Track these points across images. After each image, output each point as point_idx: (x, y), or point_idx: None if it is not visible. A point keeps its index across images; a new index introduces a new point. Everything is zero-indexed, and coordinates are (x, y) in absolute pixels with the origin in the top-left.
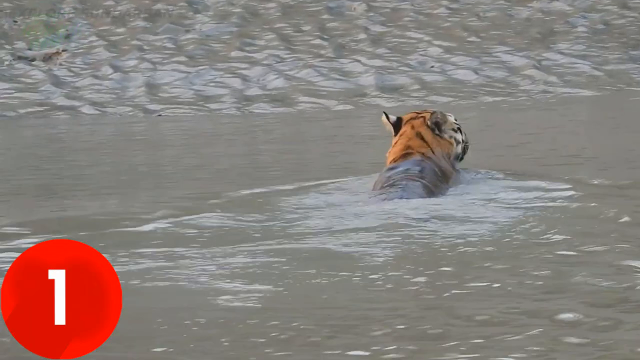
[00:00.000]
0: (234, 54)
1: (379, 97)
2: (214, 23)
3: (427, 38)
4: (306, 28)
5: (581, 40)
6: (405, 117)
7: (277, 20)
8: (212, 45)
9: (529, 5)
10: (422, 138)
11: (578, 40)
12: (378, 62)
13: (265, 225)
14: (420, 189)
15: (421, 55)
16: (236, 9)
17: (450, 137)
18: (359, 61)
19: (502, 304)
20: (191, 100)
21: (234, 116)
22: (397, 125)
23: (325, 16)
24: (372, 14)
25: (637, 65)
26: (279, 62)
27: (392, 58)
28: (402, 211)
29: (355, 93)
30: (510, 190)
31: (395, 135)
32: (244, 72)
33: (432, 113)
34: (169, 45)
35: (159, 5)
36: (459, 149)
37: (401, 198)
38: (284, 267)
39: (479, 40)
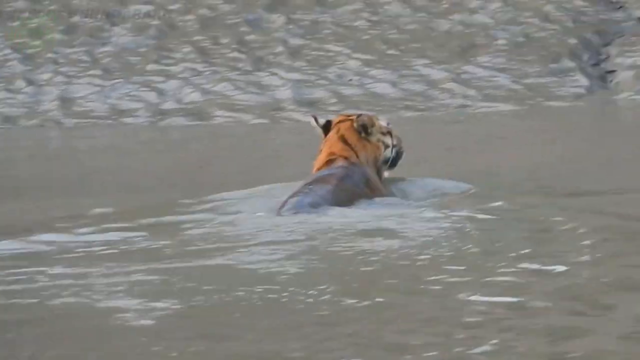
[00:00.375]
0: (150, 67)
1: (296, 111)
2: (131, 36)
3: (346, 51)
4: (224, 41)
5: (501, 54)
6: (334, 120)
7: (195, 32)
8: (129, 58)
9: (450, 18)
10: (346, 142)
11: (498, 54)
12: (296, 76)
13: (166, 242)
14: (329, 194)
15: (340, 68)
16: (154, 21)
17: (378, 140)
18: (276, 74)
19: (397, 325)
20: (105, 114)
21: (147, 129)
22: (327, 128)
23: (243, 29)
24: (291, 27)
25: (556, 79)
26: (196, 76)
27: (310, 71)
28: (293, 226)
29: (271, 107)
30: (422, 204)
31: (323, 140)
32: (159, 85)
33: (359, 116)
34: (85, 58)
35: (76, 18)
36: (389, 152)
37: (302, 202)
38: (185, 285)
39: (398, 53)
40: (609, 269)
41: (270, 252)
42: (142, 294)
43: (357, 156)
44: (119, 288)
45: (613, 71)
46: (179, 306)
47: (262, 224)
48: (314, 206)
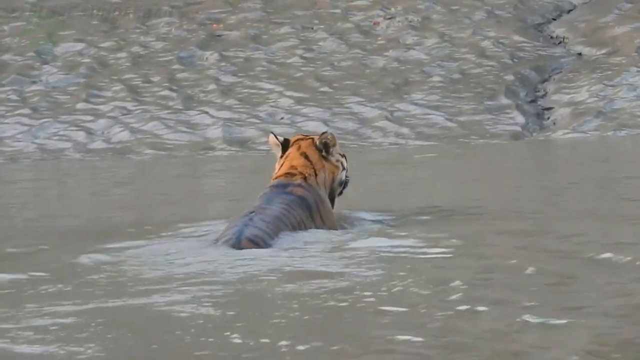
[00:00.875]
0: (79, 105)
1: (226, 149)
2: (61, 74)
3: (278, 89)
4: (155, 79)
5: (436, 91)
6: (292, 139)
7: (126, 70)
8: (58, 97)
9: (385, 54)
10: (307, 158)
11: (433, 90)
12: (226, 114)
13: (86, 280)
14: (268, 221)
15: (271, 106)
16: (85, 59)
17: (337, 160)
18: (207, 113)
19: None
20: (33, 153)
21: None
22: (285, 146)
23: (175, 66)
24: (223, 64)
25: (492, 116)
26: (125, 115)
27: (241, 109)
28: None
29: (201, 146)
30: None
31: (281, 157)
32: (88, 124)
33: (323, 133)
34: (14, 97)
35: (6, 56)
36: (344, 175)
37: (240, 234)
38: (99, 328)
39: (331, 90)
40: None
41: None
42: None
43: (316, 175)
44: (26, 333)
45: (550, 108)
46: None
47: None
48: (252, 239)
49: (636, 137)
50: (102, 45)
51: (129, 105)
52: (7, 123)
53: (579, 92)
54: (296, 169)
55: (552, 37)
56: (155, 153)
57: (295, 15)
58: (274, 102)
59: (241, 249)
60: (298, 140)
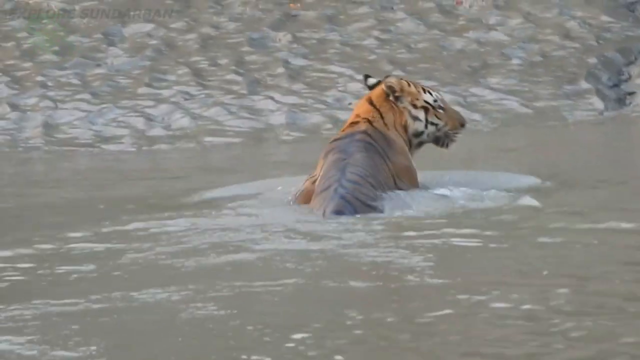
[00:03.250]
0: (141, 90)
1: (288, 136)
2: (126, 57)
3: (349, 72)
4: (223, 62)
5: (514, 74)
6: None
7: (193, 53)
8: (120, 80)
9: (465, 35)
10: (372, 103)
11: (510, 74)
12: (292, 99)
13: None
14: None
15: (340, 91)
16: (153, 40)
17: (405, 108)
18: (272, 98)
19: None
20: (89, 141)
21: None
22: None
23: (245, 48)
24: (295, 46)
25: (569, 102)
26: (188, 100)
27: (307, 94)
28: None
29: (263, 133)
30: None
31: None
32: (148, 110)
33: (386, 77)
34: (75, 81)
35: (72, 37)
36: (420, 126)
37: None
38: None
39: (404, 74)
40: None
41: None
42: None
43: (382, 118)
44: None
45: (632, 93)
46: None
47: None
48: (352, 202)
49: None
50: (172, 26)
51: (193, 90)
52: (65, 109)
53: None
54: (359, 116)
55: None
56: (215, 140)
57: None
58: (342, 86)
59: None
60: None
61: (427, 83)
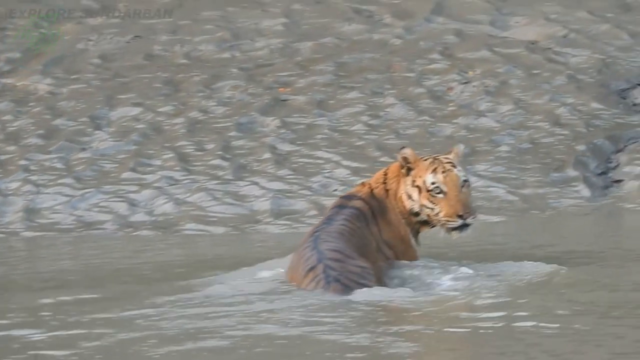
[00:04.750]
0: (125, 175)
1: (272, 223)
2: (112, 140)
3: (336, 158)
4: (209, 146)
5: (502, 161)
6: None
7: (180, 137)
8: (105, 165)
9: (454, 121)
10: (385, 173)
11: (498, 161)
12: (277, 185)
13: None
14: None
15: (325, 177)
16: (139, 124)
17: (404, 182)
18: (257, 184)
19: None
20: (70, 226)
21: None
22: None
23: (232, 133)
24: (283, 131)
25: (556, 189)
26: (172, 185)
27: (293, 180)
28: None
29: (247, 219)
30: None
31: None
32: (132, 195)
33: (402, 147)
34: (59, 165)
35: (58, 121)
36: (413, 206)
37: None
38: None
39: (391, 160)
40: None
41: None
42: None
43: (386, 186)
44: None
45: (620, 180)
46: None
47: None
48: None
49: None
50: (160, 109)
51: (177, 175)
52: (48, 193)
53: None
54: (369, 182)
55: (634, 104)
56: (197, 227)
57: (366, 79)
58: (329, 172)
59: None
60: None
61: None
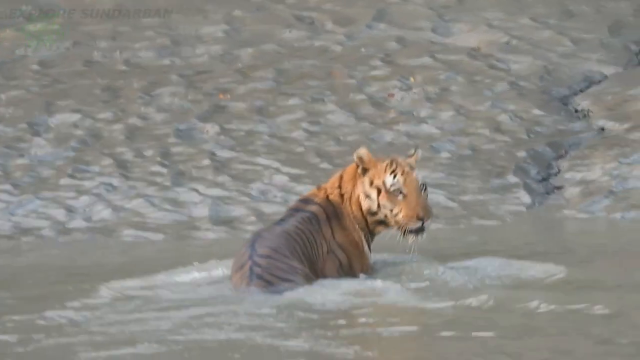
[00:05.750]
0: (63, 181)
1: (210, 230)
2: (51, 147)
3: (275, 165)
4: (148, 153)
5: (442, 168)
6: None
7: (119, 144)
8: (42, 171)
9: (395, 128)
10: (341, 176)
11: (438, 167)
12: (216, 192)
13: None
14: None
15: (265, 183)
16: (78, 131)
17: (362, 182)
18: (196, 190)
19: None
20: (7, 233)
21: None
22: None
23: (172, 140)
24: (222, 137)
25: (496, 196)
26: (110, 192)
27: (232, 187)
28: None
29: (185, 226)
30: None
31: None
32: (70, 202)
33: (360, 148)
34: None
35: None
36: (372, 206)
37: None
38: None
39: (331, 167)
40: None
41: None
42: None
43: (341, 190)
44: None
45: (561, 187)
46: None
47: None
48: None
49: None
50: (99, 116)
51: (115, 182)
52: None
53: (592, 170)
54: (325, 186)
55: (576, 111)
56: (135, 233)
57: (307, 86)
58: (268, 179)
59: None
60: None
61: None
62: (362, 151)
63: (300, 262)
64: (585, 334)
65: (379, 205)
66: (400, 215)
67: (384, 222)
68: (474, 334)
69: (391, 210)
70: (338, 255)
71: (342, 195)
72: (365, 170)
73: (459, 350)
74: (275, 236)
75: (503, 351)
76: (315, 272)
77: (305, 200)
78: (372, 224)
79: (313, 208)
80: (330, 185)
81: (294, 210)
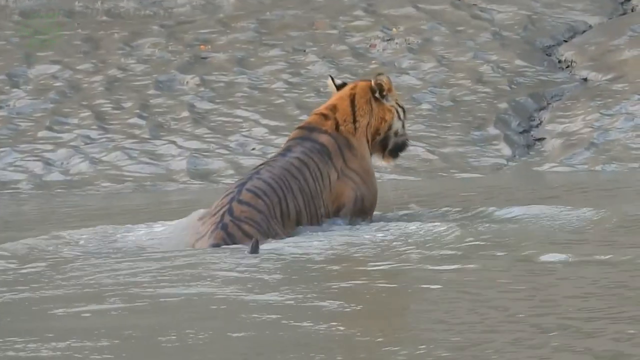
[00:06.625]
0: (41, 134)
1: (188, 182)
2: (29, 99)
3: (254, 117)
4: (127, 105)
5: (422, 119)
6: (350, 83)
7: (98, 95)
8: (21, 124)
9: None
10: (353, 102)
11: (419, 119)
12: (195, 144)
13: None
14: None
15: (243, 136)
16: (58, 82)
17: (392, 106)
18: (174, 143)
19: None
20: None
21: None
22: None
23: (151, 91)
24: (202, 89)
25: (476, 148)
26: (88, 144)
27: (211, 139)
28: None
29: (162, 179)
30: None
31: None
32: (47, 154)
33: (378, 74)
34: None
35: None
36: (399, 125)
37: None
38: None
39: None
40: None
41: None
42: None
43: (355, 122)
44: None
45: (542, 139)
46: None
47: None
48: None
49: (625, 172)
50: (78, 67)
51: (94, 134)
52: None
53: (574, 122)
54: (335, 112)
55: (559, 61)
56: (113, 186)
57: (288, 37)
58: (247, 131)
59: (240, 200)
60: (356, 82)
61: None
62: (384, 77)
63: (286, 209)
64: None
65: (403, 125)
66: (404, 137)
67: (386, 141)
68: (453, 288)
69: (403, 127)
70: (352, 177)
71: (356, 129)
72: (383, 95)
73: (447, 307)
74: (270, 176)
75: (494, 306)
76: (313, 206)
77: (310, 129)
78: (374, 146)
79: (323, 138)
80: (342, 117)
81: (300, 139)
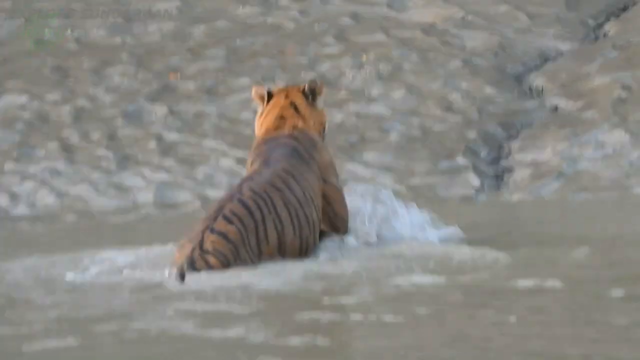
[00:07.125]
0: (7, 166)
1: (153, 215)
2: None
3: (222, 147)
4: (95, 136)
5: (391, 150)
6: (275, 91)
7: (66, 126)
8: None
9: (345, 108)
10: (296, 108)
11: (387, 150)
12: (162, 176)
13: None
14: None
15: (211, 167)
16: (25, 113)
17: (322, 108)
18: (141, 175)
19: None
20: None
21: None
22: (269, 98)
23: (119, 122)
24: (170, 119)
25: (444, 178)
26: (55, 177)
27: (178, 171)
28: None
29: (129, 211)
30: None
31: (266, 107)
32: (14, 188)
33: (311, 80)
34: None
35: None
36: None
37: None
38: None
39: None
40: None
41: None
42: None
43: (305, 122)
44: None
45: (510, 169)
46: None
47: None
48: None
49: (595, 201)
50: (47, 97)
51: (60, 166)
52: None
53: (543, 151)
54: (284, 119)
55: (530, 89)
56: (79, 219)
57: (258, 65)
58: (215, 162)
59: (212, 229)
60: (283, 89)
61: None
62: (319, 81)
63: (273, 225)
64: None
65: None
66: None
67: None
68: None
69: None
70: (332, 181)
71: (308, 127)
72: (315, 96)
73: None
74: (250, 195)
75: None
76: (303, 215)
77: (272, 138)
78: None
79: (287, 141)
80: (291, 122)
81: (271, 147)
